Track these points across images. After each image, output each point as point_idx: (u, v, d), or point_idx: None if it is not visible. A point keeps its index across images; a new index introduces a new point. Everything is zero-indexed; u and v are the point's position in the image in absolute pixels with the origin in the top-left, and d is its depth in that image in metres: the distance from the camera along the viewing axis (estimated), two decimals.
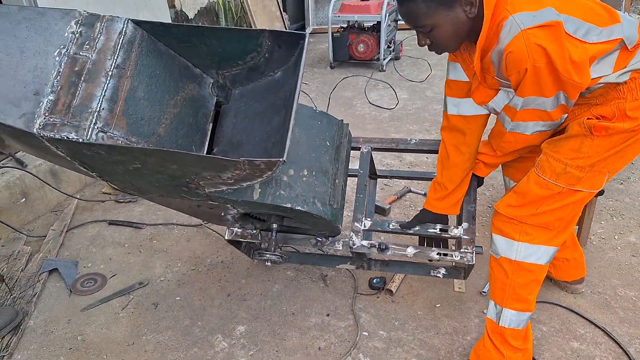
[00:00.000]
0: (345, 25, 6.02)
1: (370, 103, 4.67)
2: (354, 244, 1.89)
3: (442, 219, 1.91)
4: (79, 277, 2.35)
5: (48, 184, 2.82)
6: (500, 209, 1.60)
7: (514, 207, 1.57)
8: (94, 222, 2.82)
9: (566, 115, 1.49)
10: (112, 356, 1.91)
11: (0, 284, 2.28)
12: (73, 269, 2.41)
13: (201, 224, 2.73)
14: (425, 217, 1.91)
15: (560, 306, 2.06)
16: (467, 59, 1.60)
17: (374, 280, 2.20)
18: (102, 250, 2.58)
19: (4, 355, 1.88)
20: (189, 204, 1.66)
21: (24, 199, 2.77)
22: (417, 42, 1.52)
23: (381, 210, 2.74)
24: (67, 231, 2.72)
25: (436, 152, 1.94)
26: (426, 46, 1.51)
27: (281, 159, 1.25)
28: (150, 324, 2.06)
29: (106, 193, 3.12)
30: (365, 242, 1.90)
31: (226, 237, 2.00)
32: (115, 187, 1.63)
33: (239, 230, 1.99)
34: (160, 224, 2.77)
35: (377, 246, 1.87)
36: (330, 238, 1.95)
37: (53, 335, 2.03)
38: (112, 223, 2.80)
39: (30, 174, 2.75)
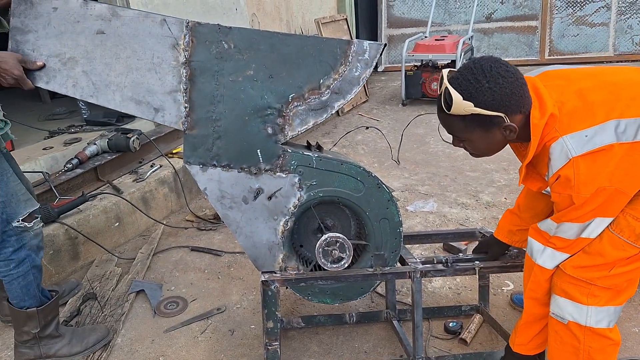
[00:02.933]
0: (418, 64, 6.08)
1: (444, 140, 4.61)
2: None
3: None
4: (162, 300, 2.49)
5: (139, 210, 3.05)
6: (568, 270, 1.48)
7: (585, 269, 1.45)
8: (177, 248, 2.99)
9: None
10: None
11: (94, 302, 2.47)
12: (158, 291, 2.56)
13: None
14: (494, 248, 1.97)
15: None
16: (520, 147, 1.62)
17: (450, 324, 2.14)
18: (184, 274, 2.72)
19: None
20: None
21: (117, 223, 3.00)
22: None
23: (457, 252, 2.70)
24: (153, 255, 2.90)
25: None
26: None
27: None
28: (227, 350, 2.14)
29: (189, 220, 3.31)
30: None
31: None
32: None
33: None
34: (238, 253, 2.89)
35: None
36: None
37: (138, 354, 2.15)
38: (194, 249, 2.96)
39: (125, 200, 2.99)
